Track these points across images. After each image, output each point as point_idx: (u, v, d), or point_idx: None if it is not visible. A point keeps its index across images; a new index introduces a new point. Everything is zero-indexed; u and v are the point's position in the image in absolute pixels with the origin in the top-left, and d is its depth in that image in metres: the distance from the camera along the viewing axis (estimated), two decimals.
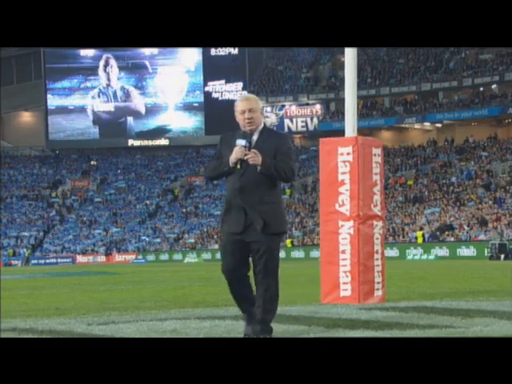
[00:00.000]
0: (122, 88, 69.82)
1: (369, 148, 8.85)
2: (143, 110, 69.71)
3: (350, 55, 8.70)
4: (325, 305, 8.49)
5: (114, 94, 70.04)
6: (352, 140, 8.79)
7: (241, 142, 5.27)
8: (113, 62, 69.95)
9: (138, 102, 69.64)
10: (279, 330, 6.13)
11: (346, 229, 8.77)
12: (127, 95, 69.84)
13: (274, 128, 67.28)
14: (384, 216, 9.36)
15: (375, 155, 8.90)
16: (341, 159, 8.82)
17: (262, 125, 5.43)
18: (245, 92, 68.32)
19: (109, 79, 69.89)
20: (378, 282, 8.83)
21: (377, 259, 8.88)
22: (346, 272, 8.76)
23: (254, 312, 5.35)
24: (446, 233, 43.78)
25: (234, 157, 5.26)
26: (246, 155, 5.22)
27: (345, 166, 8.80)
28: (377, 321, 6.54)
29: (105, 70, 70.00)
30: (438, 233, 44.38)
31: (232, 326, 6.53)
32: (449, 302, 8.40)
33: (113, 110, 69.94)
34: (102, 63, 69.64)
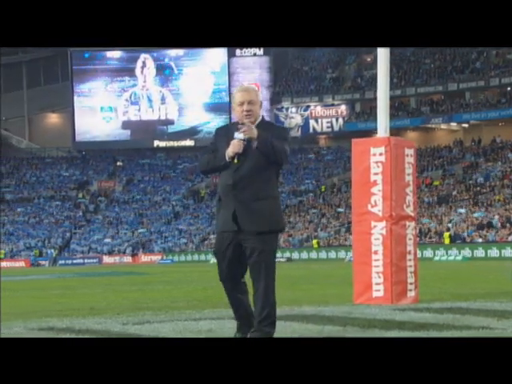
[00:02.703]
0: (160, 92, 70.00)
1: (401, 148, 8.84)
2: (176, 116, 69.97)
3: (382, 55, 8.70)
4: (358, 305, 8.49)
5: (149, 97, 70.31)
6: (385, 140, 8.78)
7: (239, 136, 4.94)
8: (150, 63, 70.14)
9: (173, 109, 69.80)
10: (315, 330, 6.16)
11: (379, 229, 8.76)
12: (162, 99, 70.10)
13: (299, 129, 67.36)
14: (416, 216, 9.34)
15: (408, 156, 8.89)
16: (373, 160, 8.82)
17: (260, 118, 5.11)
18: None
19: (145, 81, 70.23)
20: (411, 283, 8.81)
21: (409, 260, 8.86)
22: (378, 273, 8.75)
23: (253, 316, 5.09)
24: (482, 232, 43.39)
25: (231, 150, 4.95)
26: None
27: (377, 167, 8.79)
28: (412, 322, 6.53)
29: (141, 72, 70.31)
30: (465, 233, 44.06)
31: None
32: (483, 303, 8.36)
33: (146, 115, 70.18)
34: (139, 64, 69.97)
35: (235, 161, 4.95)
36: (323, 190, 60.08)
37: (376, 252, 8.77)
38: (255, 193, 4.96)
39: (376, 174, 8.79)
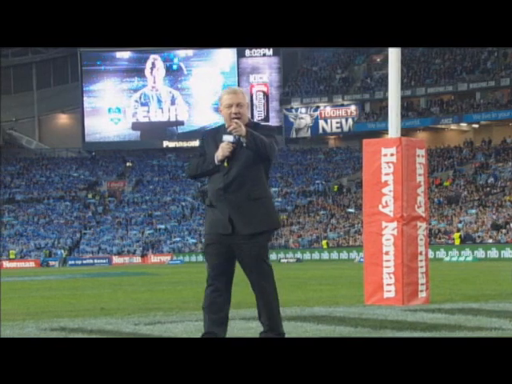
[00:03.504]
0: (169, 92, 70.05)
1: (413, 149, 8.83)
2: (185, 117, 70.06)
3: (393, 55, 8.69)
4: (369, 306, 8.48)
5: (159, 98, 70.41)
6: (396, 141, 8.77)
7: (228, 138, 4.88)
8: (160, 63, 70.23)
9: (182, 109, 69.85)
10: (327, 330, 6.15)
11: (390, 230, 8.75)
12: (172, 100, 70.17)
13: (309, 130, 67.32)
14: (428, 217, 9.32)
15: (419, 156, 8.88)
16: (384, 160, 8.81)
17: (248, 119, 5.05)
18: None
19: (154, 82, 70.34)
20: (422, 284, 8.80)
21: (421, 260, 8.84)
22: (389, 273, 8.73)
23: (261, 321, 5.05)
24: (493, 232, 43.27)
25: (220, 154, 4.90)
26: (230, 127, 4.85)
27: (388, 167, 8.78)
28: (423, 322, 6.52)
29: (151, 73, 70.41)
30: (475, 234, 43.94)
31: None
32: (495, 304, 8.34)
33: (155, 115, 70.26)
34: (148, 65, 70.10)
35: (225, 164, 4.91)
36: (336, 189, 60.01)
37: (387, 253, 8.75)
38: (248, 194, 4.92)
39: (387, 174, 8.78)
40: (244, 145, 4.85)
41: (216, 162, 4.91)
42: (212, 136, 5.08)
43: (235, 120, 4.87)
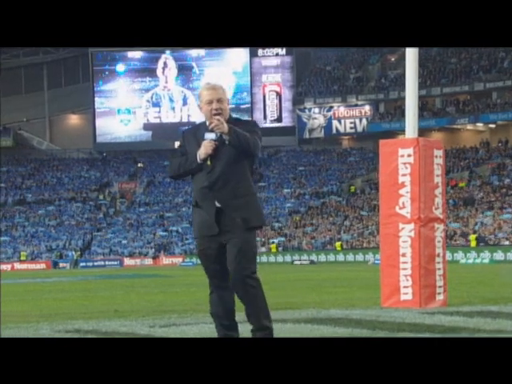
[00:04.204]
0: (181, 92, 70.17)
1: (430, 149, 8.81)
2: (198, 117, 70.12)
3: (411, 55, 8.68)
4: (386, 309, 8.47)
5: (171, 98, 70.54)
6: (413, 141, 8.76)
7: (210, 136, 4.82)
8: (171, 63, 70.37)
9: (194, 110, 69.89)
10: (345, 333, 6.16)
11: (407, 231, 8.74)
12: (184, 100, 70.29)
13: (322, 130, 67.27)
14: (445, 219, 9.31)
15: (437, 157, 8.87)
16: (401, 161, 8.80)
17: (229, 115, 4.97)
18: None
19: (166, 81, 70.48)
20: (440, 286, 8.78)
21: (438, 263, 8.83)
22: (406, 275, 8.73)
23: (248, 321, 4.99)
24: (501, 236, 43.12)
25: (203, 152, 4.84)
26: (211, 124, 4.80)
27: (405, 168, 8.78)
28: (442, 325, 6.51)
29: (163, 73, 70.56)
30: (491, 236, 43.75)
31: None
32: None
33: (167, 115, 70.41)
34: (160, 65, 70.27)
35: (208, 162, 4.86)
36: (353, 190, 59.90)
37: (404, 254, 8.75)
38: (233, 191, 4.87)
39: (404, 175, 8.77)
40: (226, 142, 4.80)
41: (199, 160, 4.86)
42: (193, 134, 5.04)
43: (217, 117, 4.81)
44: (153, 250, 58.00)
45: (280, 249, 52.37)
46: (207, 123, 4.92)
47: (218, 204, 4.86)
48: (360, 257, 45.64)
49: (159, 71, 70.55)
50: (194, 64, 70.35)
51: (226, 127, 4.76)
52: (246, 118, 68.34)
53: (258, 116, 67.85)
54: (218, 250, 4.92)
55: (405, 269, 8.73)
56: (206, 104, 4.92)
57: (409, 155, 8.73)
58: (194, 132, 5.04)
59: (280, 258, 49.75)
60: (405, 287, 8.71)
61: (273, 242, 52.68)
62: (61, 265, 54.38)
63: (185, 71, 70.57)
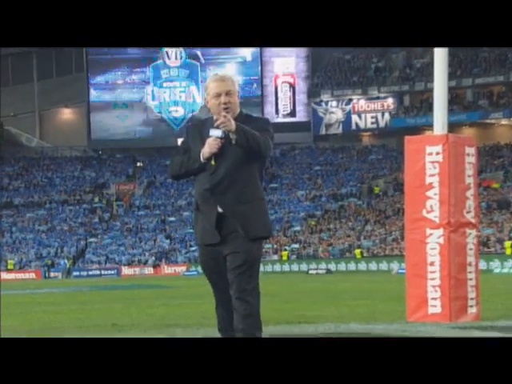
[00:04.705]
0: (185, 84, 70.31)
1: (461, 147, 8.81)
2: (204, 112, 70.25)
3: (440, 56, 8.66)
4: (412, 323, 8.48)
5: (173, 91, 70.55)
6: (442, 138, 8.75)
7: (216, 133, 4.77)
8: (175, 52, 70.43)
9: (199, 103, 70.03)
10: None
11: (435, 238, 8.73)
12: (187, 93, 70.38)
13: (340, 125, 67.29)
14: (478, 223, 9.30)
15: (468, 155, 8.86)
16: (429, 159, 8.79)
17: (239, 110, 4.94)
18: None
19: (169, 73, 70.53)
20: (472, 298, 8.77)
21: (470, 272, 8.82)
22: (435, 286, 8.72)
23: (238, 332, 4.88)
24: None
25: (207, 150, 4.79)
26: (218, 121, 4.74)
27: (433, 168, 8.77)
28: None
29: (165, 63, 70.59)
30: None
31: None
32: None
33: (169, 110, 70.56)
34: (162, 55, 70.34)
35: (212, 162, 4.81)
36: (377, 191, 59.85)
37: (432, 263, 8.74)
38: (237, 195, 4.81)
39: (432, 175, 8.77)
40: (233, 141, 4.75)
41: (202, 159, 4.82)
42: (198, 130, 4.99)
43: (223, 113, 4.77)
44: (153, 257, 58.13)
45: (294, 257, 52.38)
46: (214, 118, 4.88)
47: (219, 209, 4.82)
48: (384, 265, 45.58)
49: (161, 61, 70.66)
50: (198, 53, 70.43)
51: (233, 125, 4.71)
52: (255, 112, 68.51)
53: (269, 110, 67.94)
54: (220, 260, 4.88)
55: (433, 279, 8.72)
56: (213, 97, 4.88)
57: (437, 153, 8.73)
58: (200, 128, 4.99)
59: (295, 267, 49.76)
60: (433, 299, 8.70)
61: (285, 250, 52.72)
62: (52, 274, 54.57)
63: (189, 60, 70.64)
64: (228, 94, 4.86)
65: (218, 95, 4.86)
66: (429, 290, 8.73)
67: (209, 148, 4.78)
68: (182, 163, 4.93)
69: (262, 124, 4.94)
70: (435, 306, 8.69)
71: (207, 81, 5.00)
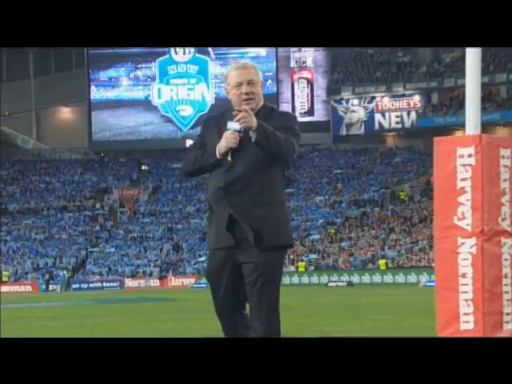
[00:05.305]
0: (195, 81, 70.58)
1: (496, 149, 8.78)
2: (213, 110, 70.52)
3: (472, 49, 8.65)
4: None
5: (181, 88, 70.84)
6: (475, 139, 8.73)
7: (234, 126, 4.68)
8: (181, 49, 70.65)
9: (210, 101, 70.25)
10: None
11: (468, 247, 8.71)
12: (197, 90, 70.60)
13: (363, 125, 67.31)
14: None
15: (503, 157, 8.82)
16: (460, 162, 8.77)
17: (262, 102, 4.87)
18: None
19: (176, 69, 70.78)
20: (508, 313, 8.74)
21: (505, 285, 8.79)
22: (467, 300, 8.70)
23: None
24: None
25: (223, 145, 4.68)
26: (237, 115, 4.64)
27: (465, 171, 8.75)
28: None
29: (173, 58, 70.87)
30: None
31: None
32: None
33: (177, 108, 70.79)
34: (169, 49, 70.68)
35: (228, 158, 4.71)
36: (403, 196, 59.83)
37: (464, 275, 8.72)
38: (253, 198, 4.70)
39: (464, 179, 8.75)
40: (253, 140, 4.64)
41: (218, 155, 4.72)
42: (216, 123, 4.89)
43: (244, 106, 4.68)
44: (159, 269, 58.28)
45: (311, 268, 52.41)
46: (235, 111, 4.75)
47: (231, 211, 4.71)
48: (413, 278, 45.52)
49: (167, 56, 70.85)
50: (209, 48, 70.55)
51: (254, 121, 4.61)
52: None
53: (284, 109, 67.98)
54: (232, 268, 4.74)
55: (465, 292, 8.70)
56: (234, 87, 4.82)
57: (469, 155, 8.71)
58: (218, 120, 4.88)
59: (315, 279, 49.81)
60: (465, 314, 8.69)
61: (302, 260, 52.73)
62: (50, 287, 54.79)
63: (198, 55, 70.81)
64: (250, 83, 4.80)
65: (239, 85, 4.80)
66: (461, 305, 8.71)
67: (225, 142, 4.69)
68: (195, 158, 4.82)
69: (286, 120, 4.85)
70: (468, 322, 8.67)
71: (228, 69, 4.95)
